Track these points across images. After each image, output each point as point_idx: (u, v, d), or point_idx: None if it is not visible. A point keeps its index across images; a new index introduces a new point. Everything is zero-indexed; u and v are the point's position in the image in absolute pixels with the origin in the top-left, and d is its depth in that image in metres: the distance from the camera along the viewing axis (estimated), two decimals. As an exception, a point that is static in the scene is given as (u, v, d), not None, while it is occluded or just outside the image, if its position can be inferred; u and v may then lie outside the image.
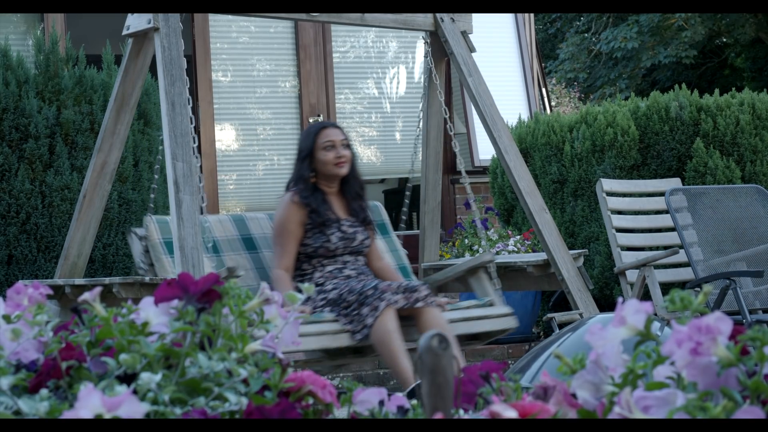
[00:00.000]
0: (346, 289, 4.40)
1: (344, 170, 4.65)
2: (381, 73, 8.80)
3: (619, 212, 5.87)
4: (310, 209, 4.57)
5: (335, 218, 4.60)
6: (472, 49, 5.19)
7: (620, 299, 1.54)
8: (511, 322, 4.68)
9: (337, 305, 4.40)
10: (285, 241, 4.54)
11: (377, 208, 5.20)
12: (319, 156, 4.63)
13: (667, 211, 5.74)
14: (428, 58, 5.26)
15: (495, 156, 7.21)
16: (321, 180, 4.67)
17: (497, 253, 6.61)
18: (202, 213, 4.33)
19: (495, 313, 4.68)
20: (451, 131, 5.14)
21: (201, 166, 7.88)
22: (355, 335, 4.29)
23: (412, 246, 5.41)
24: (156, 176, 4.96)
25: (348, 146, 4.68)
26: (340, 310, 4.38)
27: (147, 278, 4.29)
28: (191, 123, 4.36)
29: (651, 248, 5.85)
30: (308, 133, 4.68)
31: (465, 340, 4.74)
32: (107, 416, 1.32)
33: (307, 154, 4.62)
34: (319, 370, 5.07)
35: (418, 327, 4.37)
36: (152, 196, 4.96)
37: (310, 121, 8.28)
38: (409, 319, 4.39)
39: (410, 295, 4.34)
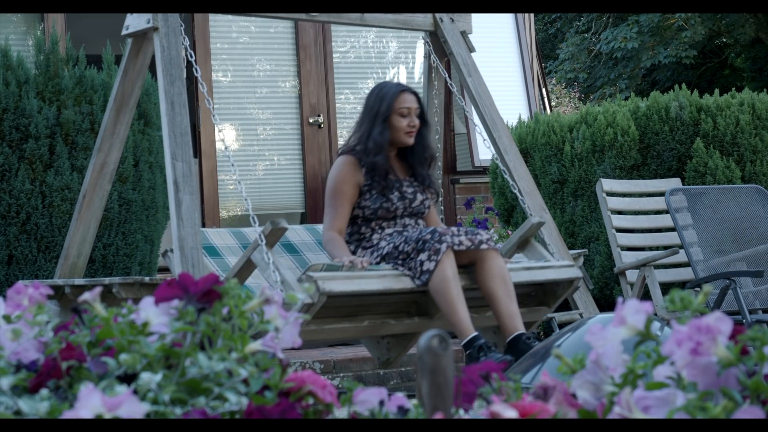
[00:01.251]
0: (401, 240, 4.22)
1: (411, 140, 4.49)
2: (381, 73, 8.80)
3: (619, 212, 5.87)
4: (370, 170, 4.41)
5: (395, 179, 4.45)
6: (471, 49, 5.19)
7: (620, 299, 1.54)
8: (576, 272, 4.48)
9: (393, 258, 4.22)
10: (339, 203, 4.39)
11: None
12: (393, 120, 4.47)
13: (667, 211, 5.74)
14: (430, 57, 5.26)
15: (495, 156, 7.21)
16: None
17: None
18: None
19: (557, 263, 4.48)
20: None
21: (201, 167, 7.89)
22: (416, 280, 4.10)
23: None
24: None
25: (421, 115, 4.51)
26: (398, 262, 4.19)
27: (147, 278, 4.29)
28: (213, 117, 4.35)
29: (651, 248, 5.85)
30: (384, 95, 4.49)
31: (534, 305, 4.56)
32: (107, 416, 1.32)
33: (385, 117, 4.44)
34: (388, 358, 4.72)
35: (479, 274, 4.18)
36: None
37: (310, 121, 8.28)
38: (468, 267, 4.21)
39: (474, 237, 4.17)
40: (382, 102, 4.46)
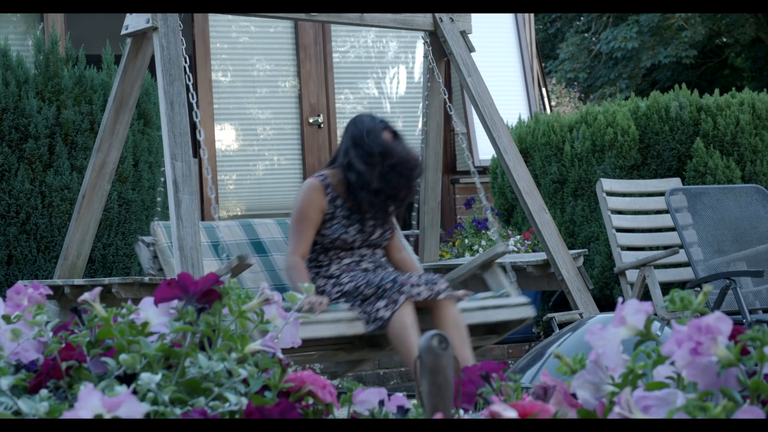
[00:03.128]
0: (363, 282, 4.32)
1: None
2: (381, 73, 8.80)
3: (619, 212, 5.87)
4: (333, 197, 4.49)
5: (356, 210, 4.52)
6: (471, 49, 5.19)
7: (620, 299, 1.54)
8: (528, 311, 4.58)
9: (353, 297, 4.33)
10: (304, 228, 4.45)
11: None
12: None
13: (667, 211, 5.74)
14: (429, 58, 5.26)
15: (495, 156, 7.21)
16: None
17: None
18: (205, 218, 4.32)
19: (512, 302, 4.57)
20: (456, 128, 5.15)
21: (200, 167, 7.88)
22: (369, 325, 4.21)
23: (412, 246, 5.41)
24: (162, 179, 4.94)
25: None
26: (356, 303, 4.31)
27: (146, 278, 4.29)
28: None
29: (651, 248, 5.85)
30: (376, 132, 4.53)
31: (483, 334, 4.67)
32: (107, 416, 1.32)
33: (381, 153, 4.47)
34: (336, 372, 5.03)
35: (435, 320, 4.28)
36: (158, 199, 4.95)
37: (310, 121, 8.28)
38: (424, 311, 4.32)
39: (432, 287, 4.26)
40: (375, 139, 4.50)
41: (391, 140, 4.55)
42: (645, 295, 5.64)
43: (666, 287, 5.76)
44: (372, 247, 4.57)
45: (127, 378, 1.49)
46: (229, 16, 8.06)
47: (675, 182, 6.14)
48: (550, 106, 10.07)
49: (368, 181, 4.46)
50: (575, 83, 16.84)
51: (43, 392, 1.45)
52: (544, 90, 9.74)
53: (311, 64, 8.35)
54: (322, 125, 8.33)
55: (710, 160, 6.30)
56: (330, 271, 4.49)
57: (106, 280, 4.34)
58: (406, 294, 4.20)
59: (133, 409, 1.33)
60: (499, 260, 5.14)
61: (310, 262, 4.54)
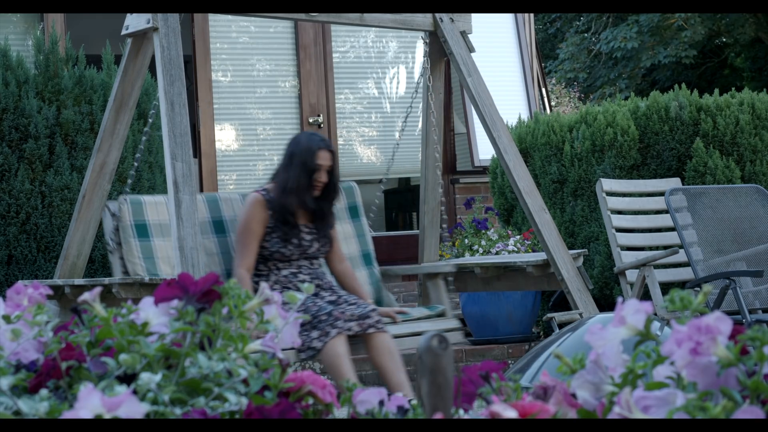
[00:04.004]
0: (302, 310, 4.49)
1: (316, 193, 4.74)
2: (381, 73, 8.80)
3: (619, 212, 5.87)
4: (273, 212, 4.68)
5: (294, 224, 4.71)
6: (471, 49, 5.19)
7: (620, 299, 1.54)
8: (458, 337, 4.99)
9: None
10: (249, 240, 4.64)
11: (351, 190, 5.30)
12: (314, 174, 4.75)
13: (666, 211, 5.74)
14: (426, 58, 5.27)
15: (495, 156, 7.21)
16: None
17: (497, 253, 6.61)
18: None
19: (444, 327, 4.95)
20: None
21: (200, 167, 7.88)
22: (301, 354, 4.41)
23: (412, 246, 5.41)
24: (144, 138, 4.90)
25: (331, 171, 4.77)
26: None
27: (146, 278, 4.29)
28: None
29: (651, 248, 5.85)
30: (310, 149, 4.74)
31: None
32: (107, 416, 1.32)
33: (309, 170, 4.70)
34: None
35: (369, 350, 4.52)
36: (133, 171, 4.92)
37: (310, 121, 8.28)
38: (357, 338, 4.55)
39: (363, 322, 4.47)
40: (307, 155, 4.73)
41: (326, 158, 4.75)
42: (645, 295, 5.64)
43: (666, 287, 5.76)
44: (310, 258, 4.77)
45: (127, 378, 1.49)
46: (229, 16, 8.06)
47: (675, 182, 6.14)
48: (550, 106, 10.07)
49: (291, 186, 4.68)
50: (575, 83, 16.84)
51: (43, 392, 1.45)
52: (543, 90, 9.74)
53: (311, 64, 8.35)
54: (322, 125, 8.33)
55: (710, 160, 6.30)
56: (269, 281, 4.67)
57: (106, 280, 4.34)
58: (338, 329, 4.40)
59: (133, 409, 1.33)
60: (499, 260, 5.15)
61: (253, 269, 4.72)
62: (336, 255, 4.91)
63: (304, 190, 4.69)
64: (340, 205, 5.23)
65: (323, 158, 4.72)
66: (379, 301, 5.18)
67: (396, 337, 4.63)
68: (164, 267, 4.69)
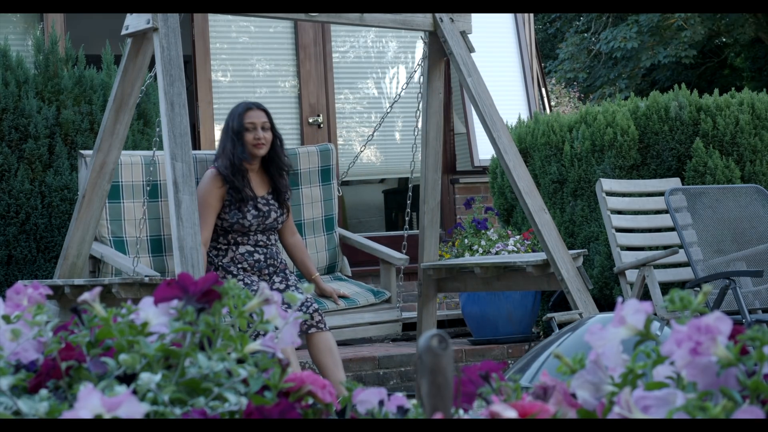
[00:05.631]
0: None
1: (261, 151, 4.82)
2: (381, 73, 8.80)
3: (619, 212, 5.87)
4: (229, 185, 4.76)
5: (252, 195, 4.80)
6: (471, 50, 5.19)
7: (620, 299, 1.54)
8: (396, 329, 5.20)
9: None
10: (205, 214, 4.71)
11: (328, 152, 5.42)
12: (244, 136, 4.83)
13: (666, 211, 5.74)
14: (426, 58, 5.27)
15: (495, 156, 7.21)
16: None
17: (497, 253, 6.61)
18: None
19: (383, 319, 5.14)
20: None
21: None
22: None
23: (412, 246, 5.41)
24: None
25: (270, 128, 4.86)
26: None
27: (146, 278, 4.29)
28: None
29: (651, 248, 5.85)
30: (235, 113, 4.85)
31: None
32: (107, 416, 1.32)
33: (236, 133, 4.81)
34: None
35: (309, 348, 4.70)
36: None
37: (310, 121, 8.28)
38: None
39: (303, 324, 4.61)
40: (234, 120, 4.85)
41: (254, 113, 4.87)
42: (645, 295, 5.65)
43: (666, 287, 5.76)
44: (267, 231, 4.85)
45: (127, 378, 1.49)
46: (229, 16, 8.06)
47: (674, 182, 6.14)
48: (550, 106, 10.07)
49: (229, 151, 4.79)
50: (575, 83, 16.84)
51: (43, 392, 1.45)
52: (543, 90, 9.74)
53: (311, 64, 8.35)
54: (321, 125, 8.33)
55: (710, 160, 6.30)
56: (224, 261, 4.77)
57: (106, 280, 4.34)
58: None
59: (133, 409, 1.33)
60: (499, 260, 5.15)
61: (212, 242, 4.83)
62: (288, 228, 5.02)
63: (243, 152, 4.78)
64: (313, 167, 5.36)
65: (252, 117, 4.82)
66: (333, 267, 5.36)
67: (334, 328, 4.85)
68: (130, 229, 4.87)
